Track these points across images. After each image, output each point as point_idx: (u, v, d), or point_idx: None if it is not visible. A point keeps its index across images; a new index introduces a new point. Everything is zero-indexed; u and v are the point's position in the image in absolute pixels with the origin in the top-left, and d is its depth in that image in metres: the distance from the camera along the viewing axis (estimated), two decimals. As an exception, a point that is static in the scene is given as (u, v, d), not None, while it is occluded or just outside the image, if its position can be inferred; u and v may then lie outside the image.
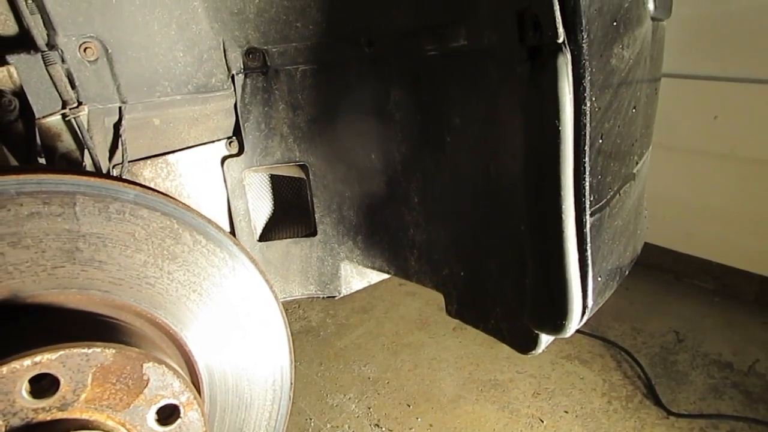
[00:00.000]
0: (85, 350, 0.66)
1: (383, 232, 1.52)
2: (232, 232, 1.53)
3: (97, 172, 1.00)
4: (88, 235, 0.73)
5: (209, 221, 0.83)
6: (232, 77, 1.43)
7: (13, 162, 0.99)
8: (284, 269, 1.61)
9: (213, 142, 1.48)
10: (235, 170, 1.50)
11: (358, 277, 1.68)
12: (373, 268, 1.60)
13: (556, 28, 0.87)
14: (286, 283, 1.62)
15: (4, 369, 0.61)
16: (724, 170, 2.46)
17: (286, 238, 1.61)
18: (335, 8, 1.32)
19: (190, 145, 1.44)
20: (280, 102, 1.46)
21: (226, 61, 1.41)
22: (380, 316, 2.85)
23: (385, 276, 1.68)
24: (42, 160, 1.05)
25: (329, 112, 1.45)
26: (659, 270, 2.97)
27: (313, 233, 1.58)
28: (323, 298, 1.68)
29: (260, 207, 1.65)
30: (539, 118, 0.97)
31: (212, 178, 1.49)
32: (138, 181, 0.81)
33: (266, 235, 1.63)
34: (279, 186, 1.68)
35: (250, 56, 1.42)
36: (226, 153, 1.50)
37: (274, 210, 1.68)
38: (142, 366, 0.71)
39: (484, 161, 1.20)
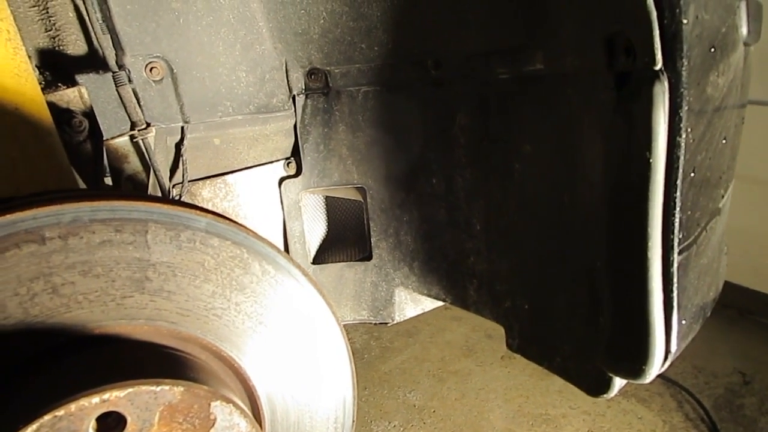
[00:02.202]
0: (154, 387, 0.63)
1: (441, 259, 1.47)
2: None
3: (170, 199, 0.98)
4: (158, 264, 0.70)
5: (278, 250, 0.80)
6: (293, 98, 1.42)
7: (80, 182, 0.98)
8: (337, 293, 1.57)
9: (271, 162, 1.46)
10: (293, 191, 1.47)
11: (412, 303, 1.62)
12: (429, 295, 1.54)
13: (653, 54, 0.81)
14: (339, 308, 1.58)
15: (73, 406, 0.58)
16: (797, 202, 2.31)
17: (340, 261, 1.57)
18: (402, 30, 1.29)
19: (249, 165, 1.43)
20: (341, 123, 1.43)
21: (288, 81, 1.40)
22: (425, 341, 2.79)
23: (440, 303, 1.62)
24: (108, 181, 1.04)
25: (390, 134, 1.41)
26: (721, 305, 2.80)
27: (368, 257, 1.54)
28: (375, 324, 1.63)
29: (315, 229, 1.62)
30: (627, 149, 0.90)
31: (269, 198, 1.47)
32: (209, 208, 0.78)
33: (320, 257, 1.60)
34: (335, 208, 1.65)
35: (312, 77, 1.40)
36: (284, 174, 1.48)
37: (329, 232, 1.65)
38: (209, 405, 0.67)
39: (556, 191, 1.14)
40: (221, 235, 0.74)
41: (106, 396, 0.60)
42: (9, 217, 0.60)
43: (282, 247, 1.50)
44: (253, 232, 0.77)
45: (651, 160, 0.87)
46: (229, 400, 0.68)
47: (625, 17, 0.87)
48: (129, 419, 0.62)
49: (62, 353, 0.67)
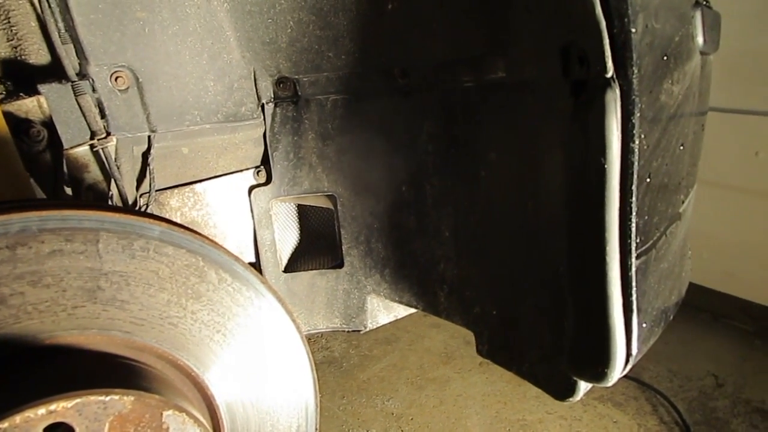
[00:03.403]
0: (103, 398, 0.62)
1: (412, 266, 1.47)
2: (258, 263, 1.50)
3: (123, 207, 0.98)
4: (111, 273, 0.70)
5: (236, 258, 0.80)
6: (262, 106, 1.42)
7: (40, 193, 0.98)
8: (309, 301, 1.57)
9: (241, 171, 1.46)
10: (263, 200, 1.47)
11: (384, 311, 1.62)
12: (401, 302, 1.54)
13: (605, 63, 0.82)
14: (311, 316, 1.58)
15: (18, 418, 0.58)
16: (766, 208, 2.36)
17: (311, 269, 1.57)
18: (369, 38, 1.30)
19: (218, 174, 1.42)
20: (310, 132, 1.44)
21: (256, 90, 1.40)
22: (404, 348, 2.79)
23: (412, 310, 1.63)
24: (68, 191, 1.03)
25: (360, 142, 1.42)
26: (695, 309, 2.84)
27: (340, 265, 1.54)
28: (348, 331, 1.63)
29: (286, 237, 1.62)
30: (583, 156, 0.92)
31: (239, 207, 1.47)
32: (164, 216, 0.78)
33: (292, 266, 1.59)
34: (306, 216, 1.65)
35: (281, 86, 1.41)
36: (254, 182, 1.48)
37: (300, 241, 1.65)
38: (161, 414, 0.66)
39: (521, 198, 1.15)
40: (176, 244, 0.74)
41: (52, 407, 0.60)
42: (-47, 228, 0.60)
43: (253, 256, 1.49)
44: (209, 240, 0.77)
45: (606, 166, 0.88)
46: (182, 409, 0.68)
47: (577, 27, 0.88)
48: (77, 430, 0.61)
49: (11, 365, 0.66)
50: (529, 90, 1.07)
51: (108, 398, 0.62)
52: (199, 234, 0.76)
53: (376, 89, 1.36)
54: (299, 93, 1.41)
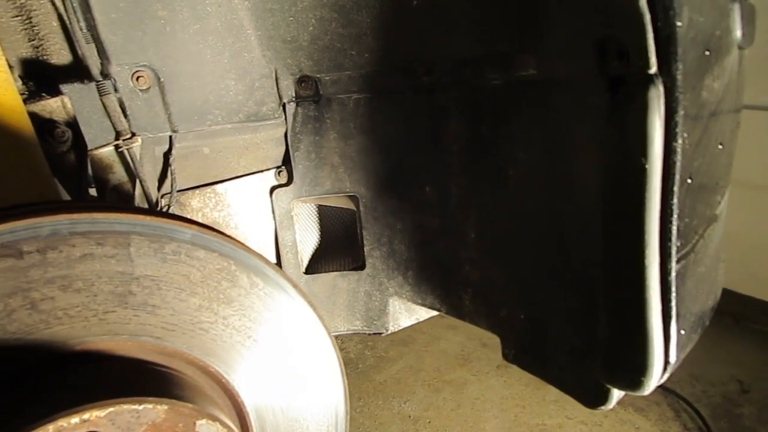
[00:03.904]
0: (136, 407, 0.60)
1: (435, 268, 1.44)
2: (279, 264, 1.48)
3: (153, 210, 0.96)
4: (142, 277, 0.68)
5: (267, 262, 0.77)
6: (283, 106, 1.40)
7: (65, 194, 0.96)
8: (330, 303, 1.54)
9: (262, 171, 1.44)
10: (284, 200, 1.45)
11: (406, 313, 1.60)
12: (424, 305, 1.52)
13: (648, 58, 0.79)
14: (332, 318, 1.55)
15: (50, 427, 0.56)
16: (792, 207, 2.31)
17: (333, 271, 1.54)
18: (392, 36, 1.27)
19: (239, 174, 1.40)
20: (332, 131, 1.42)
21: (277, 89, 1.38)
22: (420, 350, 2.76)
23: (434, 313, 1.60)
24: (93, 192, 1.01)
25: (382, 142, 1.39)
26: (718, 312, 2.78)
27: (362, 267, 1.52)
28: (369, 334, 1.61)
29: (307, 238, 1.60)
30: (622, 155, 0.89)
31: (260, 208, 1.45)
32: (196, 219, 0.75)
33: (313, 267, 1.57)
34: (327, 217, 1.62)
35: (303, 84, 1.39)
36: (275, 183, 1.46)
37: (321, 242, 1.63)
38: (194, 423, 0.64)
39: (551, 198, 1.12)
40: (208, 247, 0.71)
41: (86, 416, 0.58)
42: (-16, 231, 0.58)
43: (274, 257, 1.47)
44: (241, 243, 0.75)
45: (647, 167, 0.85)
46: (215, 418, 0.66)
47: (617, 20, 0.85)
48: (110, 440, 0.59)
49: (42, 371, 0.64)
50: (560, 87, 1.04)
51: (141, 407, 0.60)
52: (231, 237, 0.74)
53: (399, 87, 1.34)
54: (321, 92, 1.39)
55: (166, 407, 0.62)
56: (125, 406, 0.60)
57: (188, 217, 0.85)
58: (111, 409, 0.59)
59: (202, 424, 0.65)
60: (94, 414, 0.58)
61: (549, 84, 1.07)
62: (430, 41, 1.25)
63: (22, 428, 0.56)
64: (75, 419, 0.57)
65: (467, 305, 1.41)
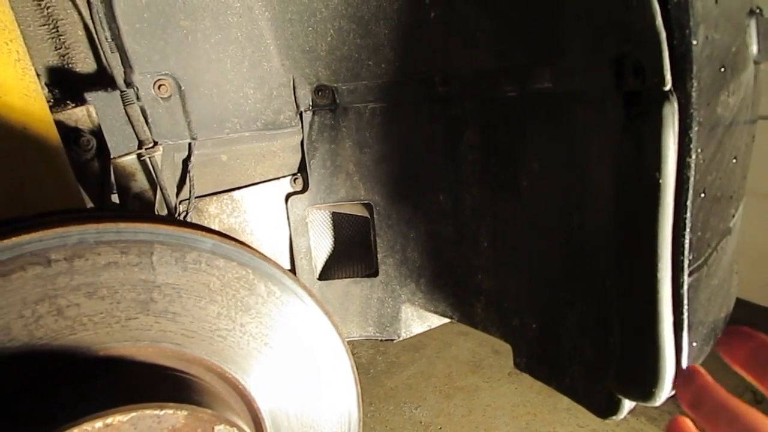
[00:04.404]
0: (157, 412, 0.62)
1: (448, 276, 1.46)
2: (293, 270, 1.50)
3: (176, 219, 0.98)
4: (164, 285, 0.70)
5: (284, 271, 0.79)
6: (300, 114, 1.42)
7: (87, 200, 0.98)
8: (343, 309, 1.56)
9: (278, 178, 1.46)
10: (299, 207, 1.47)
11: (418, 320, 1.61)
12: (436, 312, 1.53)
13: (663, 75, 0.80)
14: (345, 324, 1.57)
15: (75, 431, 0.58)
16: (809, 218, 2.29)
17: (346, 277, 1.56)
18: (410, 47, 1.29)
19: (255, 181, 1.43)
20: (347, 140, 1.43)
21: (295, 98, 1.40)
22: (432, 356, 2.76)
23: (446, 320, 1.61)
24: (115, 198, 1.04)
25: (397, 151, 1.41)
26: (731, 321, 2.77)
27: (375, 274, 1.53)
28: (381, 340, 1.62)
29: (321, 245, 1.62)
30: (636, 169, 0.89)
31: (276, 214, 1.47)
32: (215, 228, 0.77)
33: (326, 273, 1.59)
34: (341, 224, 1.64)
35: (320, 93, 1.41)
36: (291, 190, 1.48)
37: (335, 248, 1.64)
38: (213, 428, 0.66)
39: (565, 209, 1.13)
40: (227, 256, 0.73)
41: (109, 420, 0.59)
42: (15, 240, 0.60)
43: (288, 264, 1.49)
44: (259, 252, 0.77)
45: (660, 181, 0.86)
46: (233, 424, 0.68)
47: (633, 38, 0.86)
48: (132, 444, 0.61)
49: (66, 376, 0.66)
50: (576, 100, 1.05)
51: (162, 412, 0.62)
52: (249, 247, 0.76)
53: (415, 97, 1.35)
54: (337, 101, 1.41)
55: (186, 413, 0.64)
56: (147, 411, 0.61)
57: (207, 225, 0.87)
58: (133, 414, 0.61)
59: (220, 429, 0.66)
60: (117, 419, 0.60)
61: (565, 97, 1.08)
62: (447, 53, 1.26)
63: None
64: (99, 423, 0.59)
65: (479, 313, 1.42)
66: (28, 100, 0.79)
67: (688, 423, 0.61)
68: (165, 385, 0.70)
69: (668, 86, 0.81)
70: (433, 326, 1.62)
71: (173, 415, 0.63)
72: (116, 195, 1.06)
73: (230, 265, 0.74)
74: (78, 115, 0.97)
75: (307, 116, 1.42)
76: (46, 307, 0.63)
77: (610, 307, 1.05)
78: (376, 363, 2.70)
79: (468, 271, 1.41)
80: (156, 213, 1.06)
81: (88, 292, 0.65)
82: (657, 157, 0.85)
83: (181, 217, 1.23)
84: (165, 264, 0.69)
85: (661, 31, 0.80)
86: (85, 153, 0.96)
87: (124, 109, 1.06)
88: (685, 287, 0.93)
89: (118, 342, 0.68)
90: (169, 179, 1.24)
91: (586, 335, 1.15)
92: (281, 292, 0.80)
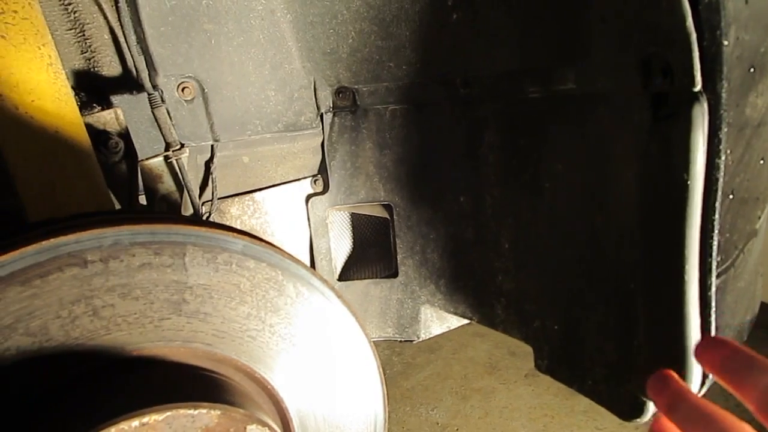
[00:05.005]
0: (192, 411, 0.63)
1: (468, 277, 1.45)
2: (313, 272, 1.51)
3: (207, 221, 0.99)
4: (196, 286, 0.70)
5: (312, 272, 0.80)
6: (321, 116, 1.42)
7: (115, 202, 1.00)
8: (362, 310, 1.57)
9: (299, 180, 1.47)
10: (319, 208, 1.48)
11: (437, 321, 1.61)
12: (456, 313, 1.53)
13: (693, 76, 0.80)
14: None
15: (113, 430, 0.59)
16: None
17: (365, 278, 1.57)
18: (431, 48, 1.29)
19: (276, 182, 1.44)
20: (368, 141, 1.44)
21: (315, 99, 1.41)
22: (448, 357, 2.76)
23: (466, 321, 1.61)
24: (141, 199, 1.05)
25: (418, 152, 1.41)
26: (756, 324, 2.73)
27: (394, 275, 1.53)
28: (400, 341, 1.62)
29: (341, 246, 1.62)
30: (664, 171, 0.89)
31: (296, 215, 1.48)
32: (242, 228, 0.78)
33: (346, 274, 1.60)
34: (361, 225, 1.65)
35: (340, 95, 1.41)
36: (311, 191, 1.49)
37: (354, 249, 1.65)
38: (245, 428, 0.67)
39: (588, 211, 1.12)
40: (257, 257, 0.74)
41: (145, 419, 0.60)
42: (53, 241, 0.61)
43: (309, 264, 1.50)
44: (288, 253, 0.77)
45: (689, 183, 0.85)
46: (264, 423, 0.68)
47: (662, 39, 0.86)
48: (166, 443, 0.62)
49: (101, 375, 0.67)
50: (601, 101, 1.04)
51: (197, 412, 0.63)
52: (278, 248, 0.76)
53: (436, 99, 1.35)
54: (358, 103, 1.41)
55: (219, 412, 0.64)
56: (182, 411, 0.62)
57: (237, 227, 0.88)
58: (168, 413, 0.61)
59: (252, 429, 0.67)
60: (153, 417, 0.61)
61: (589, 98, 1.07)
62: (468, 54, 1.26)
63: (86, 431, 0.59)
64: (135, 422, 0.60)
65: (500, 315, 1.42)
66: (60, 103, 0.80)
67: (670, 423, 0.63)
68: (198, 384, 0.70)
69: (698, 87, 0.81)
70: (452, 327, 1.62)
71: (207, 414, 0.64)
72: (143, 196, 1.08)
73: (260, 266, 0.75)
74: (106, 118, 0.99)
75: (328, 118, 1.42)
76: (82, 307, 0.64)
77: (634, 309, 1.04)
78: (392, 364, 2.70)
79: (488, 272, 1.40)
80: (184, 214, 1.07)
81: (122, 293, 0.66)
82: (686, 158, 0.84)
83: (205, 218, 1.24)
84: (197, 265, 0.70)
85: (692, 32, 0.79)
86: (114, 155, 0.97)
87: (152, 111, 1.07)
88: (713, 289, 0.92)
89: (152, 342, 0.69)
90: (192, 181, 1.25)
91: (610, 337, 1.14)
92: (309, 293, 0.81)
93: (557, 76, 1.11)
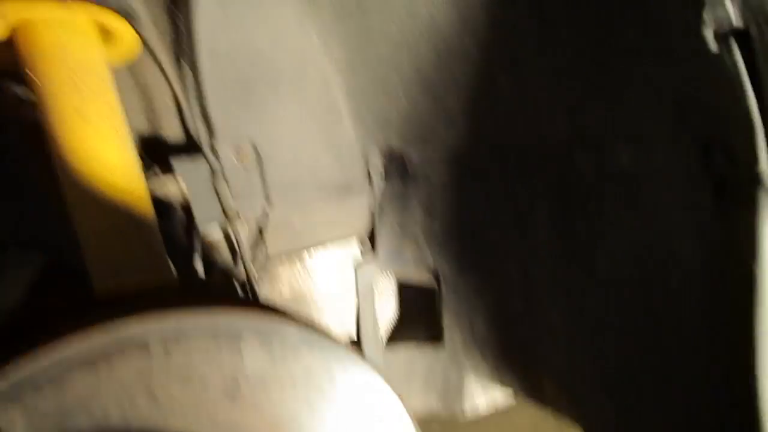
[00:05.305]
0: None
1: (517, 350, 1.41)
2: (358, 336, 1.49)
3: (264, 305, 1.00)
4: (251, 375, 0.70)
5: (365, 360, 0.79)
6: (371, 180, 1.44)
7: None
8: (406, 378, 1.53)
9: (347, 243, 1.48)
10: (367, 273, 1.48)
11: (483, 395, 1.56)
12: (502, 385, 1.48)
13: (757, 160, 0.77)
14: (407, 394, 1.54)
15: None
16: None
17: (410, 345, 1.54)
18: (482, 116, 1.29)
19: (325, 245, 1.44)
20: (417, 207, 1.44)
21: (366, 164, 1.42)
22: (489, 421, 2.66)
23: (512, 399, 1.56)
24: (199, 267, 1.07)
25: (467, 221, 1.40)
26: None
27: (440, 342, 1.50)
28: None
29: (387, 310, 1.61)
30: (730, 258, 0.85)
31: (344, 279, 1.48)
32: (300, 316, 0.78)
33: (391, 340, 1.57)
34: (407, 291, 1.63)
35: (390, 160, 1.42)
36: (359, 255, 1.49)
37: (400, 315, 1.63)
38: None
39: (644, 291, 1.08)
40: (311, 345, 0.74)
41: None
42: (119, 324, 0.63)
43: (354, 329, 1.49)
44: (338, 340, 0.77)
45: (757, 272, 0.82)
46: None
47: (723, 123, 0.84)
48: None
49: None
50: (657, 179, 1.02)
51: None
52: (331, 335, 0.76)
53: (486, 167, 1.35)
54: (408, 168, 1.42)
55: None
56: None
57: (278, 288, 0.88)
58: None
59: None
60: None
61: (644, 175, 1.05)
62: (518, 123, 1.25)
63: None
64: None
65: (549, 392, 1.36)
66: (131, 180, 0.83)
67: None
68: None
69: (763, 170, 0.78)
70: (498, 403, 1.56)
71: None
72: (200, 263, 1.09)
73: (313, 354, 0.74)
74: (168, 186, 1.01)
75: (378, 182, 1.43)
76: (140, 391, 0.65)
77: (698, 398, 0.98)
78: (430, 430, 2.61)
79: (538, 347, 1.36)
80: (240, 293, 1.08)
81: (180, 378, 0.66)
82: (752, 246, 0.81)
83: (255, 280, 1.25)
84: (252, 352, 0.70)
85: (756, 118, 0.77)
86: (174, 223, 1.00)
87: (212, 180, 1.10)
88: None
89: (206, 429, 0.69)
90: (243, 243, 1.27)
91: (670, 422, 1.08)
92: (363, 381, 0.79)
93: (610, 150, 1.09)
